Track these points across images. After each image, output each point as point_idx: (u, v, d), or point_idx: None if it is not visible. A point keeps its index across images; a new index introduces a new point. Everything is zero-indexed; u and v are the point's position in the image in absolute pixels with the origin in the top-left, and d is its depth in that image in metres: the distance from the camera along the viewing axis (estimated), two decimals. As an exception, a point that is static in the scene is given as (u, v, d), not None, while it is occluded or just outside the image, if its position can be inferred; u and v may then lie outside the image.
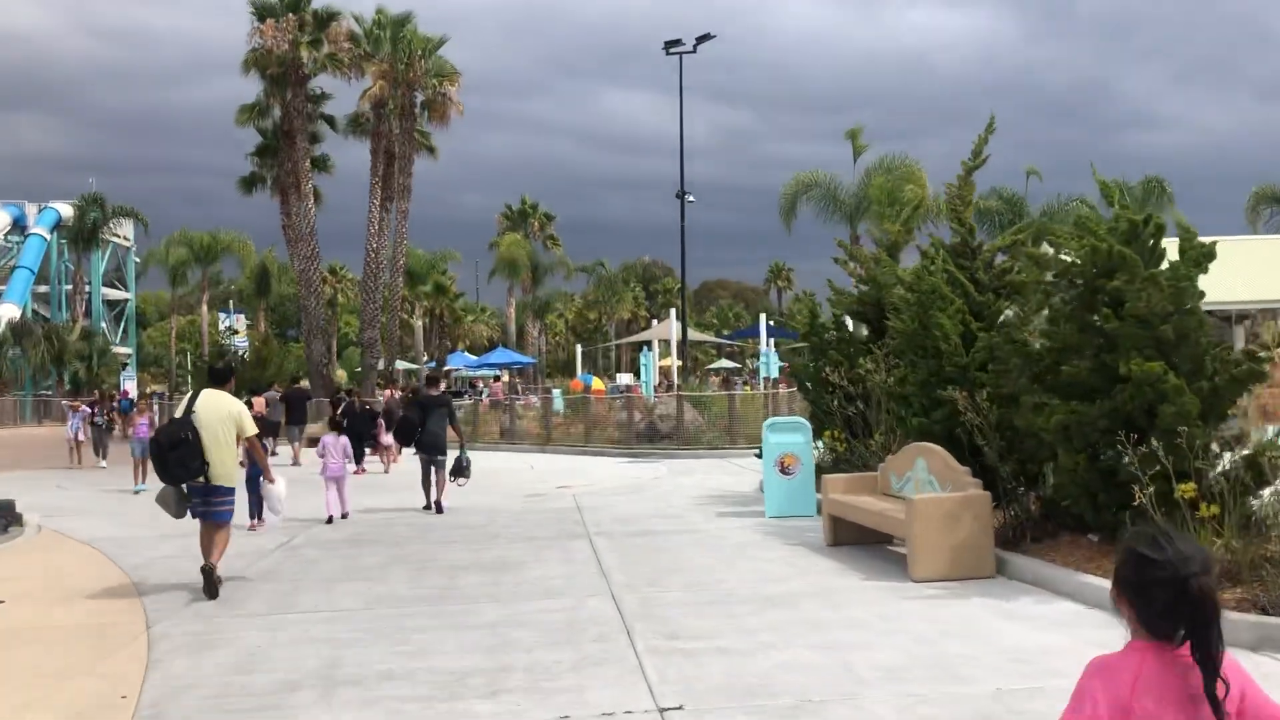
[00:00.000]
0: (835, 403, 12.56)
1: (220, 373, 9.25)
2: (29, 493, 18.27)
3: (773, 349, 44.78)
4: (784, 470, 12.31)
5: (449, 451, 14.19)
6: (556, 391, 46.29)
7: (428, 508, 14.04)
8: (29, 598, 9.02)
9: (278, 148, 36.03)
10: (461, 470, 14.30)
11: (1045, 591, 7.87)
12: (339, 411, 17.18)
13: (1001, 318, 10.10)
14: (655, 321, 69.92)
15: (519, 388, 50.54)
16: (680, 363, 52.49)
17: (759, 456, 12.99)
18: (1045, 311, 8.78)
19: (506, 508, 14.26)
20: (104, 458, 21.94)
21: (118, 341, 62.26)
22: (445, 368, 46.21)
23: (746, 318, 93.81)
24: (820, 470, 12.68)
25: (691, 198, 36.45)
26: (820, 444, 13.33)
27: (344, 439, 14.02)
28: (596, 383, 35.18)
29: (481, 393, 37.19)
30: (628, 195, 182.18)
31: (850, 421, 12.57)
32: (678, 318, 44.89)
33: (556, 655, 6.48)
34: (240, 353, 44.79)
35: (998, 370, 8.92)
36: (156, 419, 23.01)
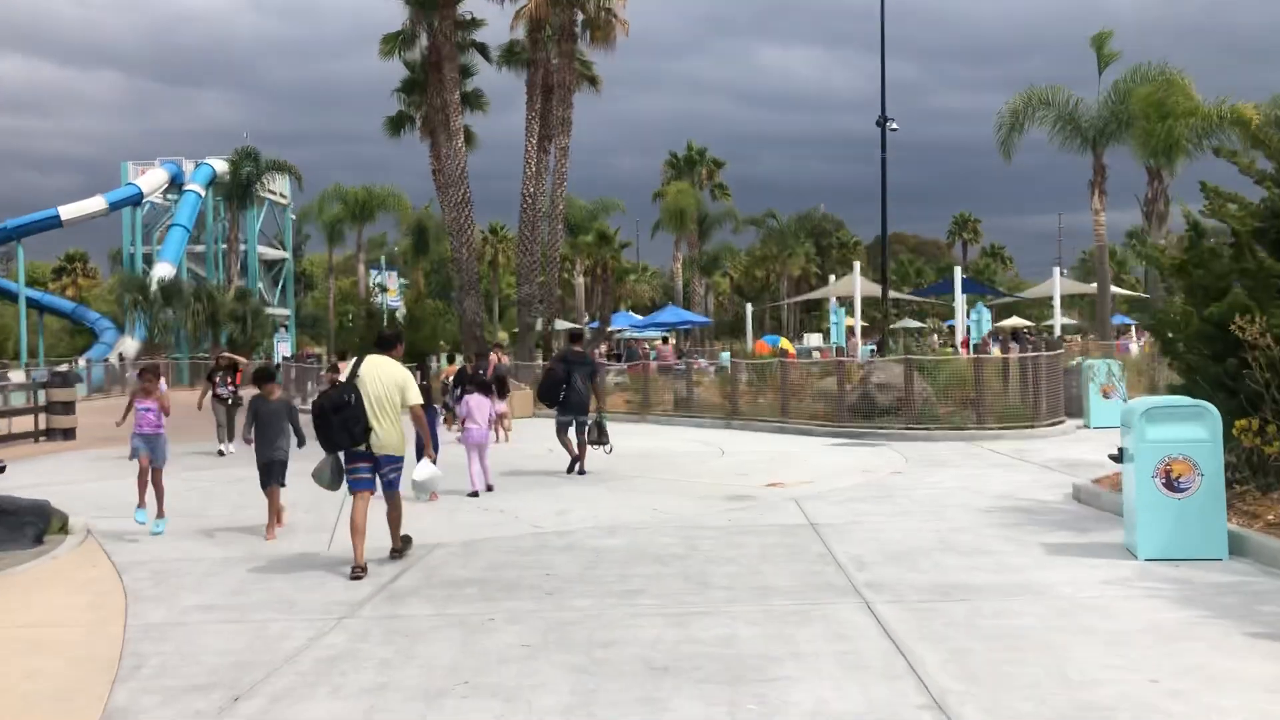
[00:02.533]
0: (1269, 373, 7.64)
1: (388, 338, 8.97)
2: (116, 477, 15.04)
3: (982, 306, 39.33)
4: (1171, 484, 7.53)
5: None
6: (724, 354, 42.03)
7: (571, 470, 13.56)
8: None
9: (425, 82, 32.49)
10: (603, 436, 13.65)
11: None
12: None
13: None
14: (833, 277, 64.65)
15: (685, 350, 46.30)
16: (864, 324, 47.25)
17: (1115, 459, 8.21)
18: None
19: (707, 521, 9.92)
20: (229, 440, 16.98)
21: (275, 302, 60.88)
22: (610, 328, 42.32)
23: (929, 273, 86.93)
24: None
25: (894, 125, 31.29)
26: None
27: (489, 401, 12.84)
28: (785, 344, 30.55)
29: (650, 354, 33.06)
30: (785, 152, 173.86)
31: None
32: (866, 271, 39.84)
33: None
34: (393, 312, 41.94)
35: None
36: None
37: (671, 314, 42.41)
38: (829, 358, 31.59)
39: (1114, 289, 61.33)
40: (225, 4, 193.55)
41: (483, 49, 33.44)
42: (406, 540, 8.61)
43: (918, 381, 18.33)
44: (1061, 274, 53.54)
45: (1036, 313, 72.75)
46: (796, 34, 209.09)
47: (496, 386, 14.28)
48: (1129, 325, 54.92)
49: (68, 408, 20.28)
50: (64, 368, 42.83)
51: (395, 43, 32.20)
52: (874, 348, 36.66)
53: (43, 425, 20.25)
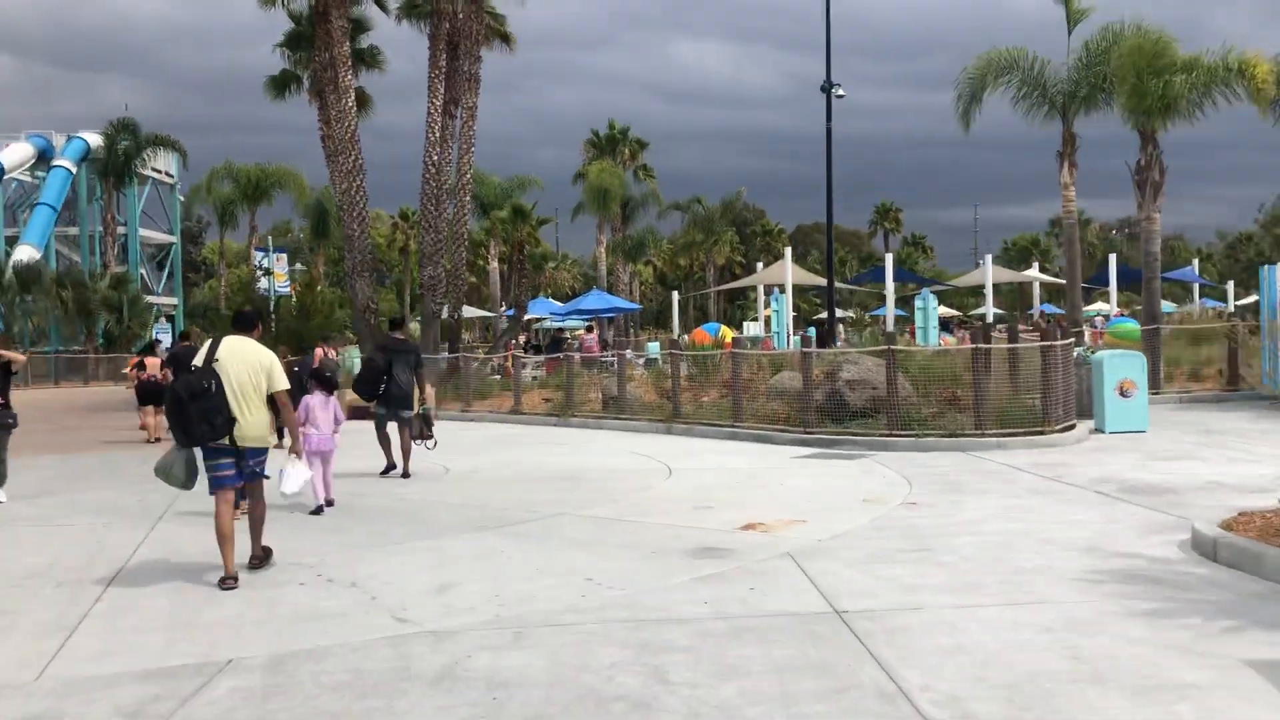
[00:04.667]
0: None
1: (246, 317, 7.85)
2: None
3: (929, 293, 36.52)
4: None
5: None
6: (652, 345, 38.56)
7: (388, 471, 12.61)
8: None
9: (313, 35, 28.33)
10: (426, 430, 12.65)
11: None
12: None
13: None
14: (760, 265, 61.68)
15: (611, 340, 42.68)
16: (802, 311, 44.00)
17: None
18: None
19: (672, 605, 6.33)
20: None
21: (160, 290, 55.71)
22: (527, 316, 38.46)
23: (852, 262, 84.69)
24: None
25: (841, 91, 28.13)
26: None
27: (334, 400, 10.77)
28: (725, 333, 27.15)
29: (574, 346, 29.34)
30: (700, 146, 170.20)
31: None
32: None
33: None
34: (280, 299, 37.49)
35: None
36: None
37: (596, 299, 38.54)
38: (770, 348, 28.32)
39: (1042, 276, 59.78)
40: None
41: (378, -2, 29.37)
42: (267, 551, 7.66)
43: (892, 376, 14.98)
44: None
45: (959, 301, 71.12)
46: (709, 29, 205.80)
47: (321, 383, 10.86)
48: (1059, 314, 53.20)
49: None
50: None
51: (275, -13, 27.93)
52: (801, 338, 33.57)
53: None
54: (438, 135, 27.45)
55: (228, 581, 7.10)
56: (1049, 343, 14.17)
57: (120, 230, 50.53)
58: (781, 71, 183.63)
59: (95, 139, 49.02)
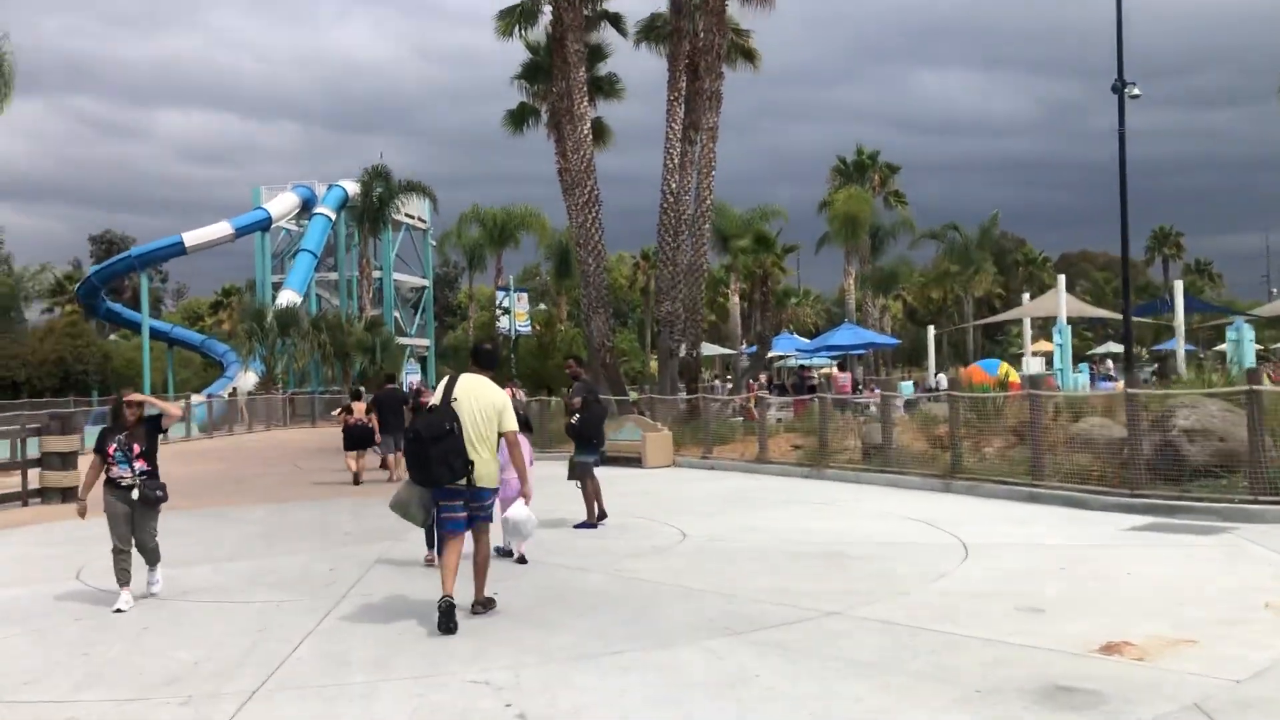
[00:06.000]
0: None
1: (486, 354, 7.68)
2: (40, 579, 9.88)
3: (1243, 323, 31.64)
4: None
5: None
6: (906, 385, 35.31)
7: (588, 525, 11.43)
8: None
9: (550, 66, 27.41)
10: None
11: None
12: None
13: None
14: (1026, 296, 56.98)
15: (862, 380, 39.72)
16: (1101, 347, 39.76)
17: None
18: None
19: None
20: (151, 575, 8.57)
21: (414, 332, 57.12)
22: (771, 353, 36.17)
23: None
24: None
25: (1136, 90, 24.54)
26: None
27: (527, 442, 9.06)
28: (1008, 372, 23.89)
29: (815, 384, 26.80)
30: (947, 178, 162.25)
31: None
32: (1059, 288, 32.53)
33: None
34: (519, 338, 37.00)
35: None
36: None
37: (848, 334, 35.58)
38: (1054, 386, 24.83)
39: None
40: (392, 54, 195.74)
41: (616, 20, 28.09)
42: (489, 602, 7.46)
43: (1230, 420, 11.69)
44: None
45: (1255, 334, 63.02)
46: (954, 57, 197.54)
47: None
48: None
49: (66, 461, 15.60)
50: (180, 404, 39.68)
51: (514, 18, 27.17)
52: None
53: (36, 484, 15.67)
54: (676, 162, 25.79)
55: (446, 598, 7.01)
56: None
57: (376, 274, 52.09)
58: (1032, 96, 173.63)
59: (353, 187, 50.81)
